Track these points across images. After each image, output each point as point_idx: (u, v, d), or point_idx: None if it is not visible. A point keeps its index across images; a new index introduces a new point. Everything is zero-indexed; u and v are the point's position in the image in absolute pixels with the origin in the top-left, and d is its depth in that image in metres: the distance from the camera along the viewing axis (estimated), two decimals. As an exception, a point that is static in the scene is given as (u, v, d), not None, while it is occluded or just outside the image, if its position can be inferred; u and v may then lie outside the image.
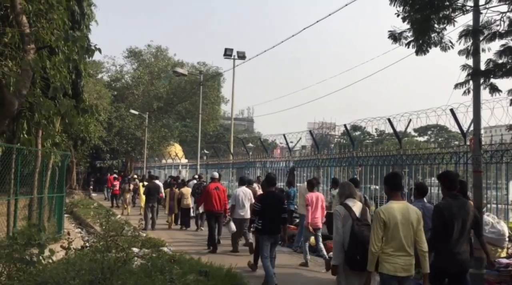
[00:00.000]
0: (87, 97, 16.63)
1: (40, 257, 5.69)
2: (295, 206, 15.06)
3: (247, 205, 11.74)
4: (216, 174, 13.68)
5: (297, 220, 13.46)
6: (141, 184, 21.67)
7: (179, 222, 17.02)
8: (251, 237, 10.10)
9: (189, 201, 16.45)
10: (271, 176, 8.94)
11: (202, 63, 43.12)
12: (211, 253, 11.55)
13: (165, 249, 10.45)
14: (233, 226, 11.68)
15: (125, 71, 44.04)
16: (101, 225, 14.63)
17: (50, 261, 5.98)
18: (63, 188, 14.41)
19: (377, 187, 16.64)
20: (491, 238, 9.27)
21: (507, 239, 9.63)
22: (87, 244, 9.55)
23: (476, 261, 8.29)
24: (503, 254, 9.14)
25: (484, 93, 8.77)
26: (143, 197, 17.78)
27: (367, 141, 56.69)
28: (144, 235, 12.21)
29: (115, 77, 43.59)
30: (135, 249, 9.05)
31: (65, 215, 16.22)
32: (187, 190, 16.76)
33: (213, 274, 7.61)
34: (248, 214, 11.58)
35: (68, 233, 11.67)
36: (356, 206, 5.82)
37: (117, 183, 25.78)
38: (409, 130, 15.72)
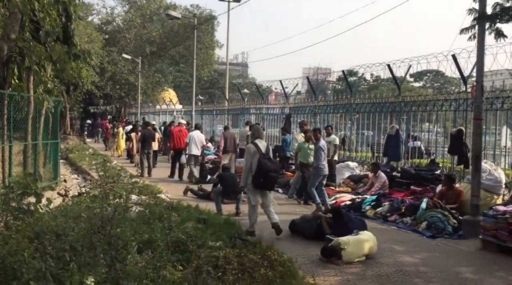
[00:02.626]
0: (78, 41, 16.13)
1: (38, 206, 5.62)
2: (291, 153, 15.04)
3: (199, 146, 14.90)
4: (182, 121, 18.11)
5: (293, 167, 13.47)
6: (120, 129, 24.02)
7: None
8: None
9: (156, 144, 18.59)
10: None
11: (196, 6, 41.92)
12: (170, 177, 15.39)
13: (162, 196, 10.46)
14: (183, 158, 15.18)
15: (116, 14, 42.80)
16: (97, 171, 14.62)
17: (48, 209, 5.92)
18: (57, 134, 14.28)
19: (371, 133, 16.61)
20: (488, 185, 9.30)
21: (503, 186, 9.68)
22: (83, 190, 9.54)
23: (472, 208, 8.38)
24: (499, 201, 9.20)
25: (489, 39, 8.55)
26: (122, 142, 21.53)
27: (363, 86, 56.27)
28: (141, 182, 12.19)
29: (106, 20, 42.36)
30: (134, 197, 9.03)
31: (61, 161, 16.17)
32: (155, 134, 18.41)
33: (211, 221, 7.63)
34: (199, 152, 14.91)
35: (65, 180, 11.68)
36: (262, 145, 8.02)
37: (110, 128, 28.29)
38: (406, 76, 15.46)
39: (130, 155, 20.49)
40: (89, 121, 40.71)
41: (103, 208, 4.82)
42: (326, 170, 10.65)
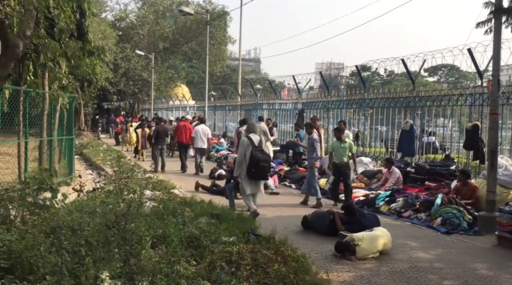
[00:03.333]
0: (92, 38, 16.21)
1: (53, 201, 5.68)
2: (303, 149, 15.00)
3: (204, 139, 15.63)
4: (188, 116, 19.79)
5: (306, 162, 13.42)
6: (130, 125, 24.56)
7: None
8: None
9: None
10: (245, 121, 10.98)
11: (208, 2, 41.83)
12: (182, 172, 15.78)
13: (176, 191, 10.50)
14: (191, 152, 16.21)
15: (130, 10, 43.04)
16: (111, 167, 14.73)
17: (64, 205, 5.99)
18: (72, 130, 14.40)
19: (384, 128, 16.51)
20: (504, 181, 9.20)
21: (520, 181, 9.55)
22: (98, 186, 9.63)
23: (488, 204, 8.29)
24: (516, 197, 9.09)
25: (505, 33, 8.43)
26: (133, 136, 21.86)
27: (376, 81, 55.84)
28: (155, 177, 12.26)
29: (120, 17, 42.54)
30: (148, 192, 9.08)
31: (75, 157, 16.32)
32: None
33: (225, 217, 7.64)
34: (204, 145, 15.64)
35: (80, 176, 11.79)
36: (255, 138, 8.77)
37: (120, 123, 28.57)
38: (420, 71, 15.32)
39: (136, 150, 20.93)
40: (97, 117, 41.20)
41: (117, 203, 4.85)
42: (321, 162, 11.45)
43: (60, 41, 7.40)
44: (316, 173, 11.21)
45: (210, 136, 16.67)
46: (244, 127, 11.58)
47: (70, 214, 5.52)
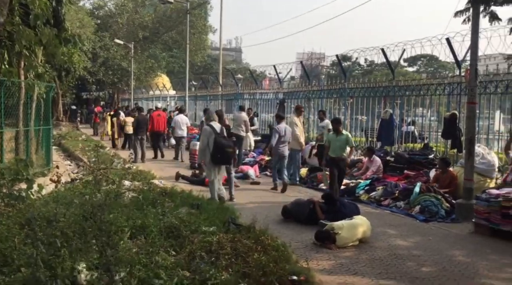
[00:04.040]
0: (69, 26, 15.87)
1: (29, 192, 5.57)
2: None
3: (184, 128, 16.48)
4: (159, 105, 22.17)
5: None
6: (107, 114, 25.05)
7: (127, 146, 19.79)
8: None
9: (130, 128, 18.62)
10: (219, 114, 10.60)
11: (189, -10, 41.39)
12: (154, 159, 16.55)
13: (156, 181, 10.41)
14: (172, 141, 16.97)
15: (108, -1, 42.25)
16: (90, 158, 14.53)
17: (40, 196, 5.88)
18: (49, 120, 14.13)
19: (365, 118, 16.60)
20: (481, 169, 9.34)
21: (496, 169, 9.71)
22: (76, 177, 9.50)
23: (465, 192, 8.40)
24: (492, 185, 9.24)
25: (482, 22, 8.50)
26: (109, 125, 22.62)
27: (357, 72, 56.13)
28: (134, 167, 12.13)
29: (98, 5, 41.83)
30: (126, 182, 8.98)
31: (53, 147, 16.05)
32: (129, 119, 19.29)
33: (205, 207, 7.60)
34: (184, 134, 16.56)
35: (57, 167, 11.59)
36: (216, 126, 8.97)
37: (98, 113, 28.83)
38: (400, 61, 15.41)
39: (113, 140, 21.45)
40: (74, 107, 40.67)
41: (94, 193, 4.78)
42: (282, 151, 11.28)
43: (36, 29, 7.22)
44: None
45: (189, 124, 17.34)
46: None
47: (46, 205, 5.42)
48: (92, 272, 3.90)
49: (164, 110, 19.63)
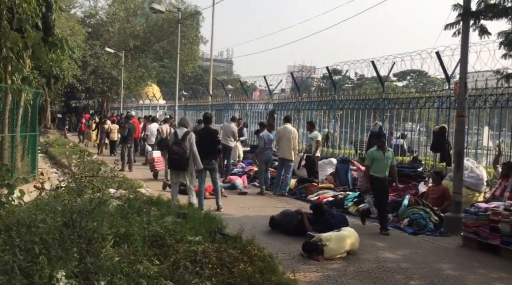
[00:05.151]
0: (59, 33, 15.69)
1: (10, 198, 5.40)
2: (274, 149, 14.93)
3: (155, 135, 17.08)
4: (133, 113, 23.63)
5: (276, 163, 13.37)
6: (93, 122, 26.43)
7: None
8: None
9: (116, 135, 20.70)
10: (207, 116, 10.48)
11: (181, 1, 41.43)
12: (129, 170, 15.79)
13: (142, 190, 10.27)
14: (148, 147, 17.24)
15: (100, 7, 42.02)
16: (76, 165, 14.32)
17: (22, 202, 5.71)
18: (36, 127, 13.92)
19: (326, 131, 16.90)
20: (469, 183, 9.34)
21: (485, 183, 9.71)
22: (62, 184, 9.28)
23: (454, 205, 8.37)
24: (481, 198, 9.24)
25: (472, 36, 8.55)
26: (94, 133, 24.55)
27: (347, 85, 56.44)
28: (121, 176, 11.97)
29: (89, 13, 41.64)
30: (112, 190, 8.83)
31: (40, 155, 15.83)
32: (114, 126, 21.17)
33: (191, 216, 7.47)
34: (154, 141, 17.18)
35: (42, 174, 11.36)
36: (181, 132, 9.11)
37: (83, 121, 29.63)
38: (389, 75, 15.50)
39: (99, 146, 22.41)
40: (59, 115, 40.42)
41: (76, 200, 4.65)
42: (267, 156, 12.56)
43: (22, 32, 7.10)
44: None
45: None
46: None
47: (27, 211, 5.26)
48: (71, 280, 3.76)
49: (154, 119, 20.33)
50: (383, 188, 8.56)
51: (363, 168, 10.90)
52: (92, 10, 41.61)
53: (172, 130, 13.75)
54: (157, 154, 14.64)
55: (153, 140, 17.45)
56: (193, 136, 9.17)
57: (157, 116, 22.19)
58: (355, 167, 12.39)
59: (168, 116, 22.70)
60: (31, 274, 3.72)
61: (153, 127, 17.85)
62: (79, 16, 40.11)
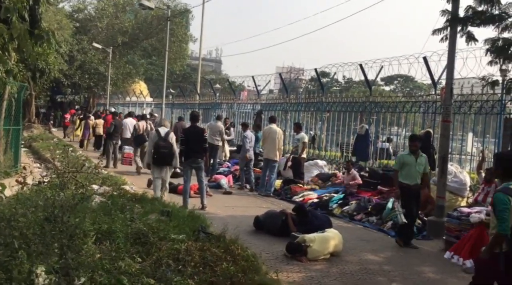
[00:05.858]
0: (46, 27, 15.49)
1: (-10, 192, 5.31)
2: (260, 150, 14.92)
3: (131, 129, 16.46)
4: (112, 109, 24.53)
5: (262, 164, 13.37)
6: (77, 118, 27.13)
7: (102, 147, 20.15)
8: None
9: (101, 130, 20.71)
10: (195, 114, 10.60)
11: (170, -2, 41.21)
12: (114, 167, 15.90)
13: (126, 187, 10.17)
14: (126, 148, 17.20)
15: (88, 2, 41.60)
16: (60, 160, 14.14)
17: (3, 196, 5.62)
18: (19, 121, 13.72)
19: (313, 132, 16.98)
20: (453, 187, 9.41)
21: (468, 188, 9.80)
22: (44, 179, 9.15)
23: (437, 209, 8.43)
24: (464, 203, 9.32)
25: (459, 43, 8.63)
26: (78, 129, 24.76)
27: (335, 88, 56.69)
28: (105, 172, 11.85)
29: (77, 8, 41.19)
30: (95, 186, 8.72)
31: (23, 149, 15.62)
32: (100, 122, 21.35)
33: (175, 214, 7.42)
34: (129, 135, 16.65)
35: (24, 168, 11.21)
36: (163, 131, 9.54)
37: (68, 116, 29.76)
38: (377, 78, 15.59)
39: (82, 143, 22.46)
40: (43, 110, 39.99)
41: (58, 195, 4.58)
42: (249, 155, 12.77)
43: (8, 24, 6.99)
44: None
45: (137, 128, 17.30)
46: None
47: (8, 205, 5.18)
48: (51, 276, 3.70)
49: (130, 114, 19.97)
50: (412, 197, 7.73)
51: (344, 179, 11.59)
52: (80, 5, 41.16)
53: (149, 127, 15.30)
54: (129, 150, 16.45)
55: (129, 134, 16.94)
56: (174, 135, 9.85)
57: (147, 114, 21.99)
58: (339, 180, 12.40)
59: (148, 114, 22.91)
60: (10, 269, 3.65)
61: (129, 122, 17.39)
62: (67, 10, 39.63)
